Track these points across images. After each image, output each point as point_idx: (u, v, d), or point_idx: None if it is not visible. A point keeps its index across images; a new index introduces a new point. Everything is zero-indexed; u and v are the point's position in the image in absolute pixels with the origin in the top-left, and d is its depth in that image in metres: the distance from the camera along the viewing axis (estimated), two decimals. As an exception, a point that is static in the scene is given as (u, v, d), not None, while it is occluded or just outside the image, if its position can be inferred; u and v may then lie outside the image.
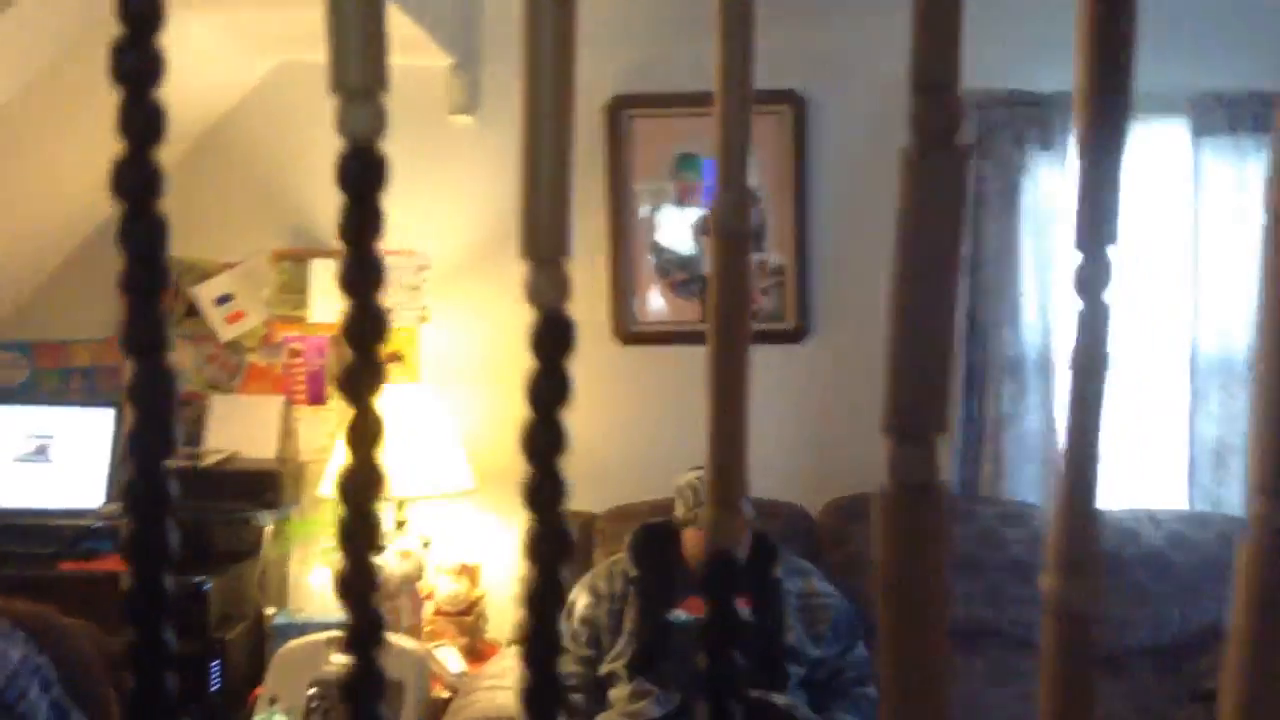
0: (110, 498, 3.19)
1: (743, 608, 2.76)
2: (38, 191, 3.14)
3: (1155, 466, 3.32)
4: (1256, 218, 3.16)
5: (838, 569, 3.02)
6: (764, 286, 3.42)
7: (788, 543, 2.99)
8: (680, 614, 2.76)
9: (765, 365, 3.40)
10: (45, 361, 3.48)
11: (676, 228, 3.45)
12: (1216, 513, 3.18)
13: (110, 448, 3.23)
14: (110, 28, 0.54)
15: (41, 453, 3.22)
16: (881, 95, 3.32)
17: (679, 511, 2.86)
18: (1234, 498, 3.18)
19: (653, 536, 2.90)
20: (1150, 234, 3.28)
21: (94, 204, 3.41)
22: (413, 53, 3.25)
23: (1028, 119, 3.22)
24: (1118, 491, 3.31)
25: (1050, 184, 3.23)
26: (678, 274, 3.46)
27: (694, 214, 3.43)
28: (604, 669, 2.77)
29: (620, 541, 2.95)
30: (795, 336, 3.42)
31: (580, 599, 2.87)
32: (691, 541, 2.82)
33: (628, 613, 2.79)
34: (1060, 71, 3.22)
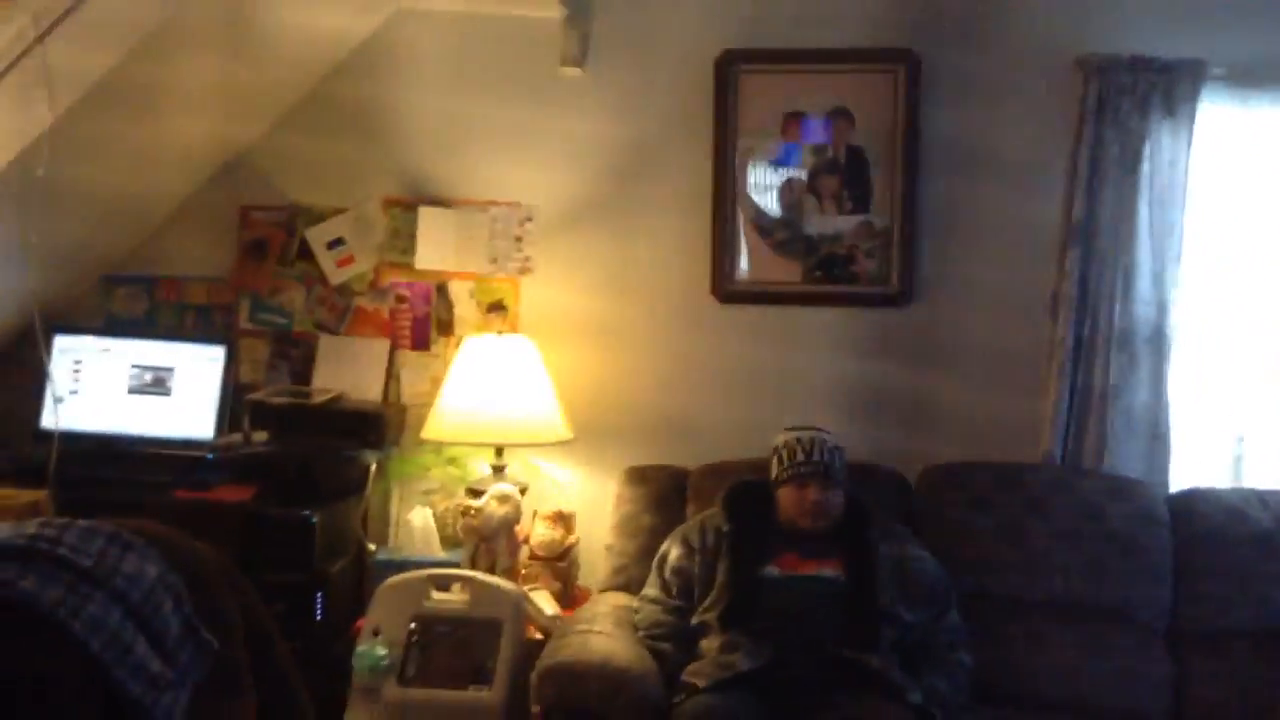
0: (221, 430, 3.30)
1: (835, 569, 2.76)
2: (162, 134, 3.24)
3: (1264, 447, 3.23)
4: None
5: (932, 536, 3.00)
6: (868, 248, 3.39)
7: (884, 507, 2.98)
8: (773, 570, 2.78)
9: (866, 328, 3.40)
10: (164, 296, 3.60)
11: (780, 186, 3.42)
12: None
13: (221, 383, 3.33)
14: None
15: (159, 384, 3.33)
16: (997, 60, 3.27)
17: (774, 470, 2.86)
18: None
19: (748, 493, 2.91)
20: (1272, 206, 3.17)
21: (212, 151, 3.51)
22: (529, 3, 3.27)
23: (1151, 85, 3.12)
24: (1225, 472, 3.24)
25: (1173, 152, 3.13)
26: (780, 233, 3.43)
27: (795, 174, 3.40)
28: (695, 620, 2.79)
29: (714, 497, 2.97)
30: (899, 300, 3.38)
31: (673, 550, 2.90)
32: (787, 501, 2.83)
33: (720, 566, 2.81)
34: (1186, 38, 3.13)
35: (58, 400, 3.15)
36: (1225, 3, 3.17)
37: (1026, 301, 3.28)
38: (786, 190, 3.42)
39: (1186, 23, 3.17)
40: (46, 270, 3.25)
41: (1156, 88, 3.11)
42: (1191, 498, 3.06)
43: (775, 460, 2.87)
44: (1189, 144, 3.12)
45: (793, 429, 2.90)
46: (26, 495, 2.39)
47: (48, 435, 3.08)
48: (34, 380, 3.24)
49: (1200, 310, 3.22)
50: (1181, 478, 3.20)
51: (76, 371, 3.31)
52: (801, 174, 3.40)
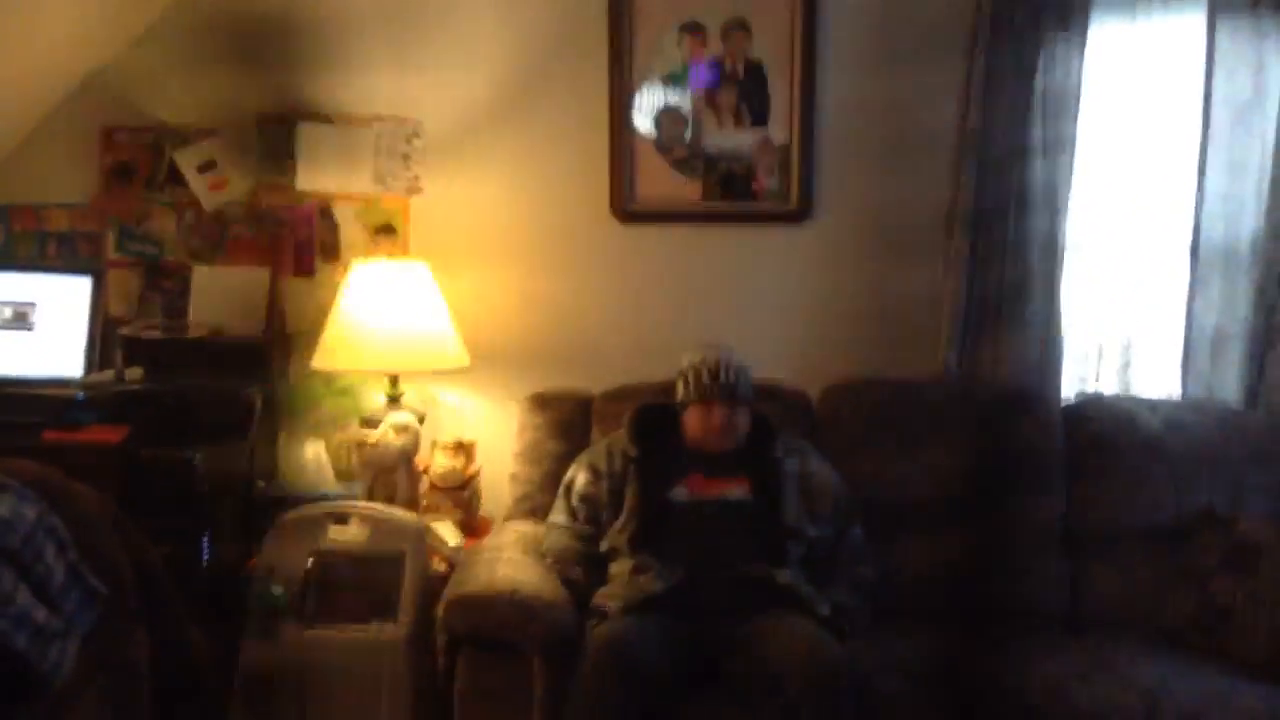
0: (90, 367, 3.10)
1: (741, 488, 2.75)
2: (10, 51, 2.98)
3: (1151, 354, 3.31)
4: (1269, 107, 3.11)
5: (834, 451, 3.00)
6: (767, 164, 3.34)
7: (787, 424, 2.97)
8: (681, 492, 2.75)
9: (766, 245, 3.36)
10: (22, 225, 3.34)
11: (677, 102, 3.33)
12: (1213, 399, 3.19)
13: (89, 317, 3.12)
14: None
15: (20, 319, 3.11)
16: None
17: (680, 391, 2.82)
18: (1230, 385, 3.19)
19: (654, 416, 2.87)
20: (1161, 119, 3.21)
21: (68, 67, 3.25)
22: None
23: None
24: (1114, 378, 3.32)
25: (1065, 64, 3.14)
26: (678, 150, 3.35)
27: (693, 89, 3.31)
28: (604, 545, 2.75)
29: (619, 421, 2.91)
30: (798, 217, 3.34)
31: (579, 476, 2.85)
32: (693, 421, 2.79)
33: (628, 490, 2.77)
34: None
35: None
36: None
37: (924, 215, 3.28)
38: (684, 106, 3.33)
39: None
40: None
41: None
42: (1083, 404, 3.13)
43: (681, 381, 2.82)
44: (1081, 56, 3.13)
45: (697, 348, 2.86)
46: None
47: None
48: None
49: (1092, 220, 3.26)
50: (1074, 386, 3.27)
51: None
52: (699, 90, 3.32)
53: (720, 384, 2.76)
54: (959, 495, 3.00)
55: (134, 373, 3.07)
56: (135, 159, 3.35)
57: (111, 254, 3.35)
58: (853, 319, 3.35)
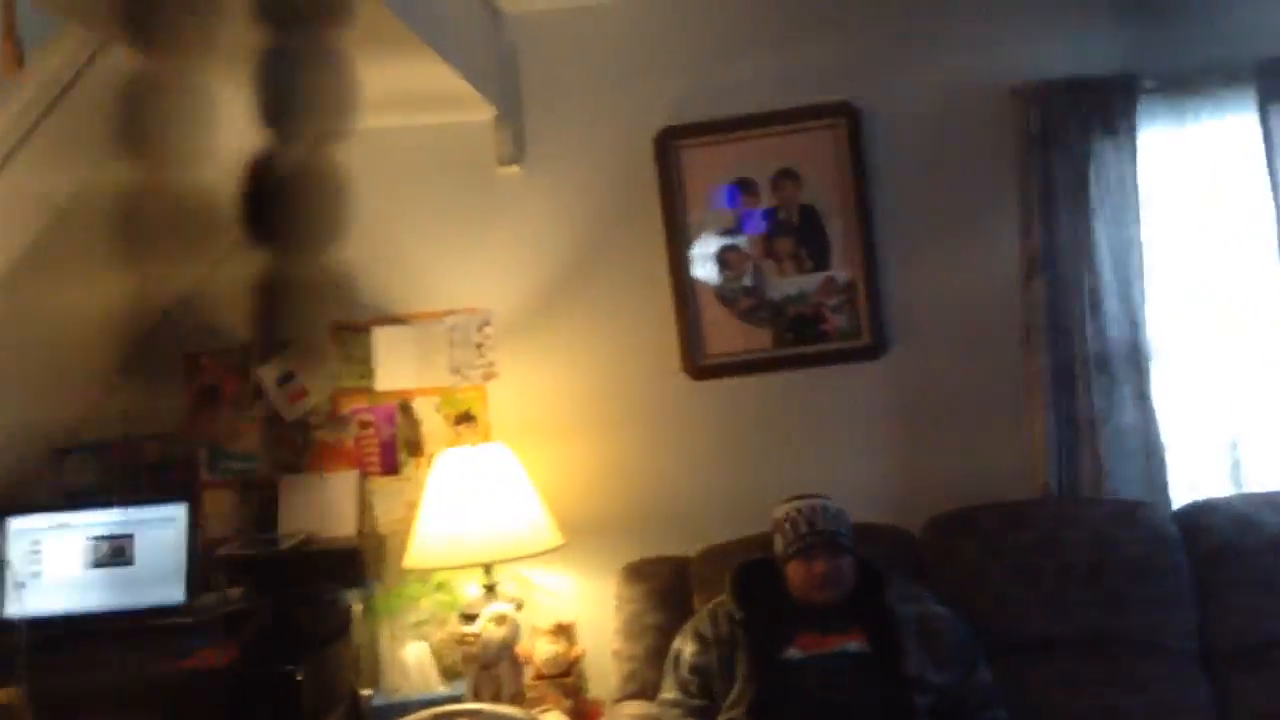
0: (194, 591, 3.11)
1: (858, 641, 2.65)
2: (93, 293, 3.11)
3: (1261, 451, 3.18)
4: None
5: (947, 587, 2.90)
6: (834, 304, 3.33)
7: (893, 565, 2.88)
8: (795, 652, 2.65)
9: (844, 385, 3.32)
10: (117, 459, 3.42)
11: (736, 255, 3.36)
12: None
13: (185, 542, 3.15)
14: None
15: (120, 554, 3.14)
16: (935, 99, 3.27)
17: (779, 545, 2.75)
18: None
19: (755, 574, 2.80)
20: (1232, 213, 3.16)
21: (151, 298, 3.37)
22: (459, 109, 3.21)
23: (1089, 104, 3.12)
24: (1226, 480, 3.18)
25: (1119, 169, 3.12)
26: (744, 301, 3.37)
27: (750, 240, 3.35)
28: (723, 718, 2.65)
29: (719, 584, 2.85)
30: (872, 353, 3.31)
31: (687, 647, 2.77)
32: (797, 575, 2.71)
33: (739, 656, 2.69)
34: (1116, 55, 3.15)
35: (18, 586, 2.96)
36: (1148, 19, 3.19)
37: (999, 336, 3.23)
38: (743, 257, 3.36)
39: (1115, 40, 3.19)
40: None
41: (1094, 107, 3.11)
42: (1198, 511, 3.00)
43: (778, 535, 2.76)
44: (1134, 158, 3.12)
45: (790, 500, 2.81)
46: (-6, 696, 2.20)
47: (11, 625, 2.88)
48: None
49: (1175, 322, 3.18)
50: (1183, 492, 3.14)
51: (35, 553, 3.11)
52: (756, 239, 3.35)
53: (820, 534, 2.70)
54: (1086, 623, 2.86)
55: (234, 593, 3.08)
56: (220, 380, 3.44)
57: (205, 475, 3.41)
58: (942, 449, 3.28)
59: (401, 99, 3.12)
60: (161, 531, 3.15)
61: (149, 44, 2.50)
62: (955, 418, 3.28)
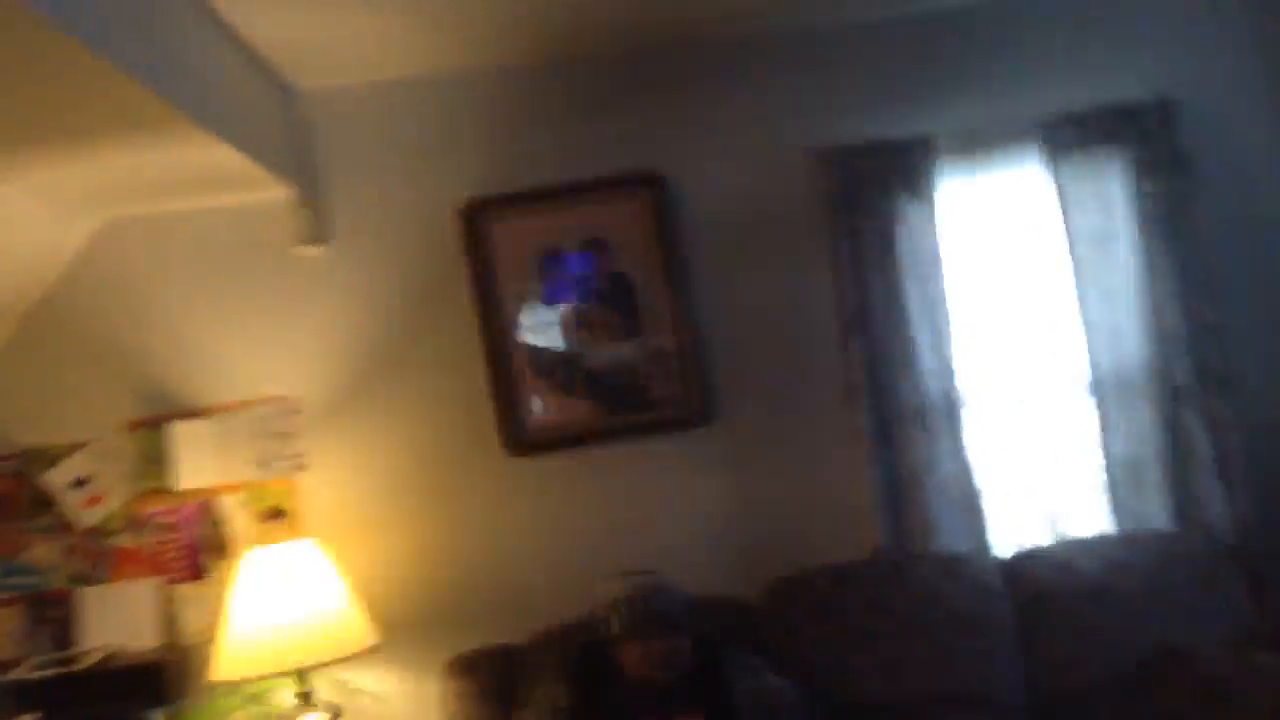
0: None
1: (698, 719, 2.57)
2: None
3: (1075, 495, 3.25)
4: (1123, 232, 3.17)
5: (786, 655, 2.86)
6: (657, 372, 3.28)
7: (731, 637, 2.83)
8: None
9: (671, 452, 3.27)
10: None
11: (549, 326, 3.29)
12: (1145, 529, 3.12)
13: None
14: None
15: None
16: (739, 165, 3.28)
17: (614, 626, 2.66)
18: (1155, 510, 3.15)
19: (590, 656, 2.69)
20: (1030, 263, 3.25)
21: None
22: (252, 188, 3.06)
23: (889, 167, 3.17)
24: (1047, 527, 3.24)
25: (921, 228, 3.18)
26: (560, 373, 3.29)
27: (563, 310, 3.28)
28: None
29: (551, 670, 2.73)
30: (699, 420, 3.27)
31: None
32: (634, 656, 2.62)
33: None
34: (915, 116, 3.23)
35: None
36: (940, 82, 3.28)
37: (823, 395, 3.24)
38: (557, 329, 3.28)
39: (910, 102, 3.27)
40: None
41: (894, 169, 3.17)
42: (1020, 559, 3.04)
43: (612, 615, 2.66)
44: (932, 218, 3.18)
45: (622, 575, 2.72)
46: None
47: None
48: None
49: (984, 373, 3.25)
50: (1008, 541, 3.19)
51: None
52: (569, 310, 3.28)
53: (652, 611, 2.62)
54: (919, 684, 2.85)
55: (27, 721, 2.82)
56: (2, 490, 3.17)
57: (-13, 596, 3.13)
58: (775, 512, 3.26)
59: (189, 181, 2.96)
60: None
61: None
62: (786, 480, 3.27)
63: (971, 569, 2.98)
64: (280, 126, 3.15)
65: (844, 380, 3.19)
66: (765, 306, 3.29)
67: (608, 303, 3.29)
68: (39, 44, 1.91)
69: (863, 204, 3.17)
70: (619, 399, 3.28)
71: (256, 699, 3.01)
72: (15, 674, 2.97)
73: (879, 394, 3.17)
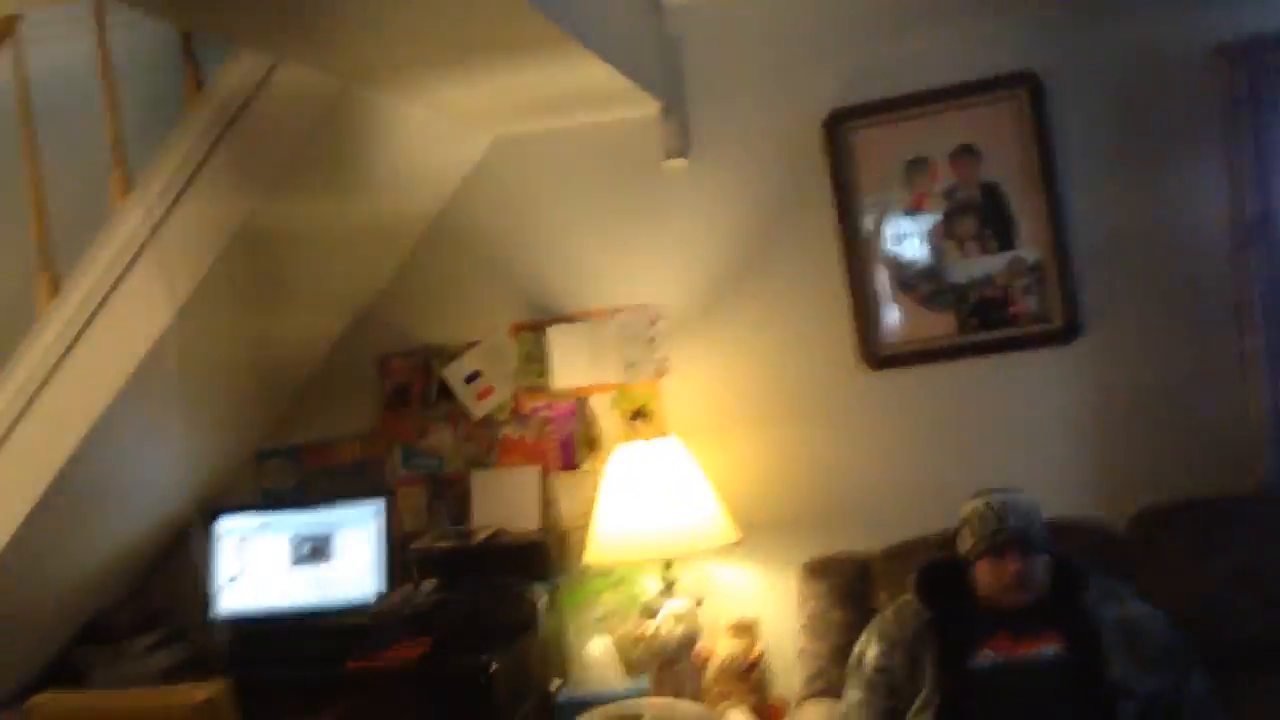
0: (392, 585, 3.23)
1: (1054, 645, 2.50)
2: (289, 302, 3.29)
3: None
4: None
5: (1152, 588, 2.70)
6: (1022, 286, 3.15)
7: (1093, 563, 2.70)
8: (986, 657, 2.52)
9: (1035, 371, 3.14)
10: (313, 462, 3.60)
11: (913, 238, 3.23)
12: None
13: (383, 539, 3.28)
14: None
15: (320, 553, 3.30)
16: (1124, 64, 3.05)
17: (967, 543, 2.62)
18: None
19: (940, 574, 2.68)
20: None
21: (342, 308, 3.55)
22: (623, 105, 3.21)
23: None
24: None
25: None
26: (924, 286, 3.23)
27: (930, 221, 3.21)
28: (908, 722, 2.56)
29: (902, 583, 2.74)
30: (1065, 337, 3.12)
31: (870, 649, 2.68)
32: (987, 576, 2.58)
33: (926, 658, 2.58)
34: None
35: (224, 585, 3.16)
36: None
37: (1206, 314, 2.98)
38: (921, 240, 3.22)
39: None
40: (199, 457, 3.31)
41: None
42: None
43: (965, 532, 2.62)
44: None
45: (978, 494, 2.66)
46: (201, 691, 2.35)
47: (218, 622, 3.08)
48: (201, 566, 3.26)
49: None
50: None
51: (241, 551, 3.32)
52: (935, 221, 3.20)
53: (1012, 530, 2.55)
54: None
55: (428, 587, 3.19)
56: (409, 381, 3.57)
57: (397, 473, 3.54)
58: (1144, 438, 3.06)
59: (567, 100, 3.15)
60: (360, 529, 3.30)
61: (325, 64, 2.62)
62: (1158, 405, 3.05)
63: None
64: (651, 42, 3.27)
65: (1234, 298, 2.92)
66: (1144, 216, 3.05)
67: (976, 213, 3.18)
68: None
69: (1275, 100, 2.84)
70: (982, 313, 3.18)
71: (624, 583, 3.25)
72: (418, 544, 3.36)
73: (1277, 313, 2.87)
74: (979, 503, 2.62)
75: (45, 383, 2.80)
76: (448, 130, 3.30)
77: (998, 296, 3.17)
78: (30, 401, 2.79)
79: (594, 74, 2.84)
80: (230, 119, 2.75)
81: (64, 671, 3.13)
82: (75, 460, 2.81)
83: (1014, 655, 2.51)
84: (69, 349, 2.79)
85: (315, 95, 2.75)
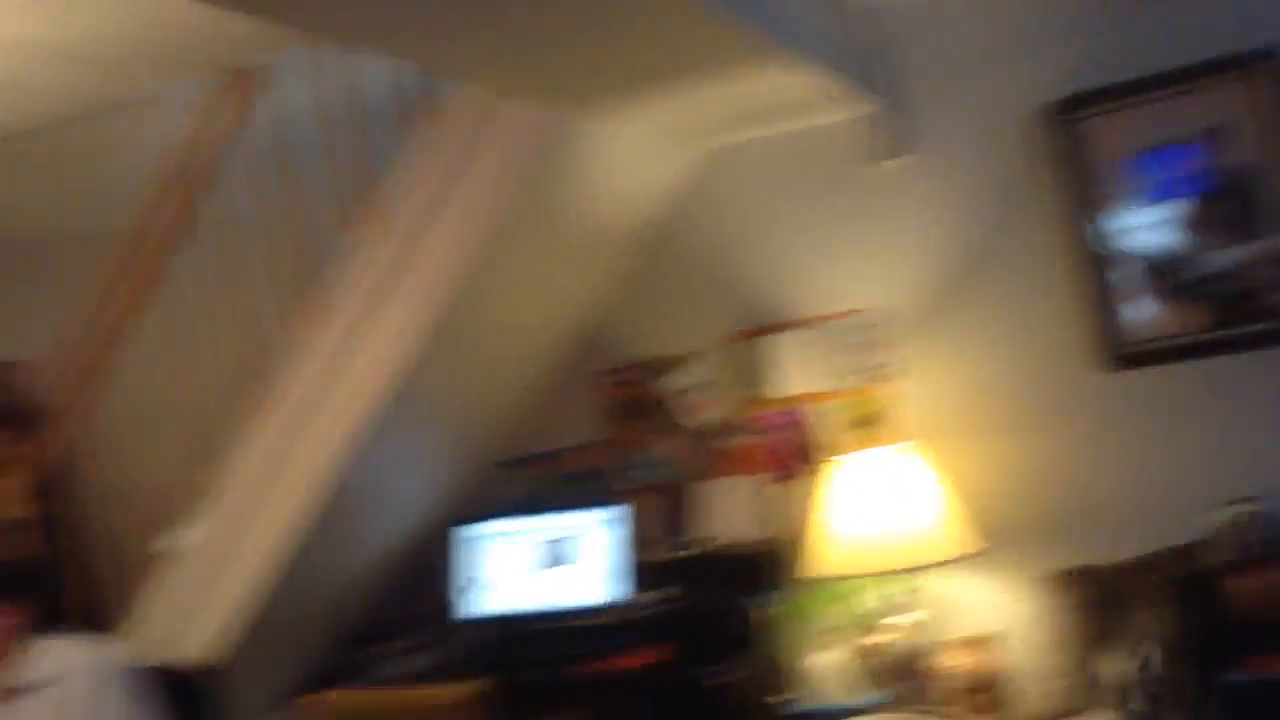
0: (629, 591, 3.28)
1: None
2: (517, 326, 3.46)
3: None
4: None
5: None
6: (1272, 278, 2.91)
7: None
8: (1242, 676, 2.37)
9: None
10: (544, 470, 3.71)
11: (1152, 229, 3.04)
12: None
13: (622, 544, 3.32)
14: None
15: (563, 556, 3.36)
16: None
17: (1221, 555, 2.47)
18: None
19: (1191, 585, 2.53)
20: None
21: (564, 327, 3.65)
22: (832, 108, 3.18)
23: None
24: None
25: None
26: (1169, 279, 3.03)
27: (1170, 211, 3.01)
28: (1162, 748, 2.43)
29: (1150, 596, 2.60)
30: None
31: (1119, 667, 2.56)
32: (1241, 588, 2.42)
33: (1182, 675, 2.44)
34: None
35: (480, 588, 3.32)
36: None
37: None
38: (1161, 232, 3.03)
39: None
40: (444, 469, 3.54)
41: None
42: None
43: (1222, 543, 2.48)
44: None
45: (1233, 503, 2.51)
46: (455, 692, 2.48)
47: (467, 623, 3.22)
48: (449, 572, 3.44)
49: None
50: None
51: (487, 557, 3.45)
52: (1177, 210, 3.01)
53: (1269, 541, 2.40)
54: None
55: (659, 594, 3.21)
56: (628, 395, 3.64)
57: (622, 483, 3.62)
58: None
59: (776, 108, 3.15)
60: (597, 534, 3.37)
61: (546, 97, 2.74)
62: None
63: None
64: (861, 44, 3.21)
65: None
66: None
67: (1222, 200, 2.97)
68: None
69: None
70: (1231, 307, 2.97)
71: (852, 594, 3.19)
72: (653, 552, 3.39)
73: None
74: (1234, 513, 2.47)
75: (316, 406, 3.16)
76: (657, 149, 3.36)
77: (1249, 289, 2.95)
78: (303, 424, 3.16)
79: (804, 81, 2.84)
80: (467, 150, 2.95)
81: (328, 673, 3.35)
82: (347, 471, 3.12)
83: (1273, 675, 2.35)
84: (337, 373, 3.16)
85: (537, 124, 2.89)
